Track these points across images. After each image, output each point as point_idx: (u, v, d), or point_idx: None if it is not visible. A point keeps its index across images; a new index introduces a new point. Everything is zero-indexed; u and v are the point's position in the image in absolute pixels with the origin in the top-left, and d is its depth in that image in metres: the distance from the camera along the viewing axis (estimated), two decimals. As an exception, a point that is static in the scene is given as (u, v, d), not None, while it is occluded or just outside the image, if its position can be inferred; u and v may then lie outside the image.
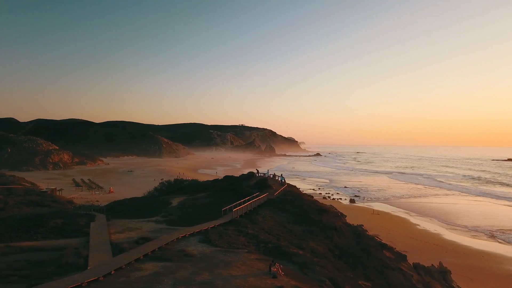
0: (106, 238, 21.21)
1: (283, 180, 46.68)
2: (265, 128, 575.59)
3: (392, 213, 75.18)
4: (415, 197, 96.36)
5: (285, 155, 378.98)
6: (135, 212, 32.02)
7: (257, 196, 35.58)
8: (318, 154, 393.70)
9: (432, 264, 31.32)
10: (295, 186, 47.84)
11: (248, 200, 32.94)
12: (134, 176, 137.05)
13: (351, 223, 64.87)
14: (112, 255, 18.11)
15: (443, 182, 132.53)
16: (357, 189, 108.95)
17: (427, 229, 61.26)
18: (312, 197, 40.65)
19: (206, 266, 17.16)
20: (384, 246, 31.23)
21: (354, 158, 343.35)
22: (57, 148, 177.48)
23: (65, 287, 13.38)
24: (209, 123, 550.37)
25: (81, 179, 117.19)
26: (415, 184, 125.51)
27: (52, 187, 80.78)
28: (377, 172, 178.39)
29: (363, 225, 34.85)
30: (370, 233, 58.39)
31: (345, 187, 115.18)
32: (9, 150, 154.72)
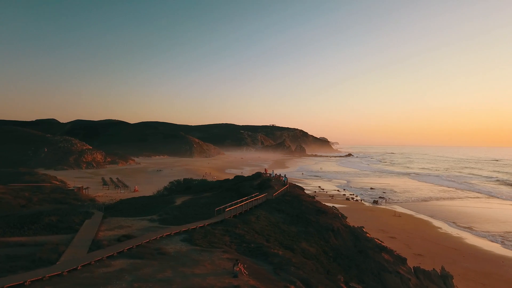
0: (91, 235, 21.97)
1: (286, 181, 46.47)
2: (296, 128, 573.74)
3: (415, 215, 73.16)
4: (442, 199, 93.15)
5: (315, 155, 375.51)
6: (135, 211, 32.89)
7: (255, 196, 35.64)
8: (349, 155, 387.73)
9: (433, 268, 30.30)
10: (299, 187, 47.45)
11: (245, 200, 33.05)
12: (161, 176, 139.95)
13: (370, 225, 64.03)
14: (88, 252, 18.79)
15: (475, 184, 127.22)
16: (383, 191, 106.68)
17: (449, 232, 59.19)
18: (314, 198, 40.18)
19: (174, 264, 17.48)
20: (383, 249, 30.50)
21: (386, 158, 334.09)
22: (91, 148, 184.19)
23: (24, 280, 14.07)
24: (240, 124, 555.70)
25: (110, 178, 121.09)
26: (444, 186, 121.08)
27: (78, 186, 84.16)
28: (405, 173, 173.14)
29: (363, 227, 34.12)
30: (387, 235, 57.43)
31: (370, 188, 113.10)
32: (46, 150, 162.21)
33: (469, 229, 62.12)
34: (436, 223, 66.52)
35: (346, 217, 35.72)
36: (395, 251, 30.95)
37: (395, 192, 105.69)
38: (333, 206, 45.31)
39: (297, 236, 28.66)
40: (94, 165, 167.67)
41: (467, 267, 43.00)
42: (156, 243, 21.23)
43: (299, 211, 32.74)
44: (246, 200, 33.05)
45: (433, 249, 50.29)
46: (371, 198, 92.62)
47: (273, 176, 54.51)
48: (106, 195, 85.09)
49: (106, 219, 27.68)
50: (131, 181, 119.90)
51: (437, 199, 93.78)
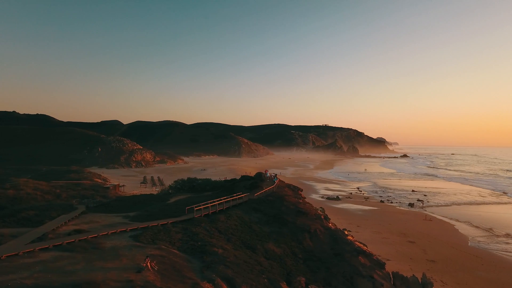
0: (48, 229, 23.47)
1: (275, 181, 46.12)
2: (349, 128, 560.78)
3: (448, 220, 68.96)
4: (486, 204, 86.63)
5: (368, 156, 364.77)
6: (124, 208, 34.31)
7: (236, 196, 35.78)
8: (404, 156, 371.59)
9: (413, 275, 28.63)
10: (292, 187, 46.63)
11: (224, 199, 33.30)
12: (204, 174, 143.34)
13: (392, 228, 61.50)
14: (27, 243, 20.17)
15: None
16: (424, 194, 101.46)
17: (477, 239, 55.22)
18: (305, 198, 39.26)
19: (94, 258, 18.30)
20: (361, 252, 29.30)
21: (441, 160, 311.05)
22: (141, 147, 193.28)
23: None
24: (292, 124, 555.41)
25: (151, 177, 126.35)
26: (493, 191, 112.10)
27: (115, 184, 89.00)
28: (455, 176, 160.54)
29: (345, 230, 32.95)
30: (407, 239, 54.85)
31: (412, 191, 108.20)
32: (100, 150, 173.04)
33: (505, 236, 57.67)
34: (468, 229, 62.33)
35: (330, 219, 34.73)
36: (375, 255, 29.66)
37: (437, 195, 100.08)
38: (320, 208, 44.04)
39: (267, 237, 28.47)
40: (143, 164, 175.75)
41: (480, 276, 40.08)
42: (102, 238, 22.24)
43: (278, 211, 32.39)
44: (224, 199, 33.33)
45: (451, 255, 47.31)
46: (409, 201, 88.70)
47: (267, 176, 54.54)
48: (140, 192, 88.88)
49: (84, 215, 29.35)
50: (172, 179, 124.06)
51: (480, 203, 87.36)
